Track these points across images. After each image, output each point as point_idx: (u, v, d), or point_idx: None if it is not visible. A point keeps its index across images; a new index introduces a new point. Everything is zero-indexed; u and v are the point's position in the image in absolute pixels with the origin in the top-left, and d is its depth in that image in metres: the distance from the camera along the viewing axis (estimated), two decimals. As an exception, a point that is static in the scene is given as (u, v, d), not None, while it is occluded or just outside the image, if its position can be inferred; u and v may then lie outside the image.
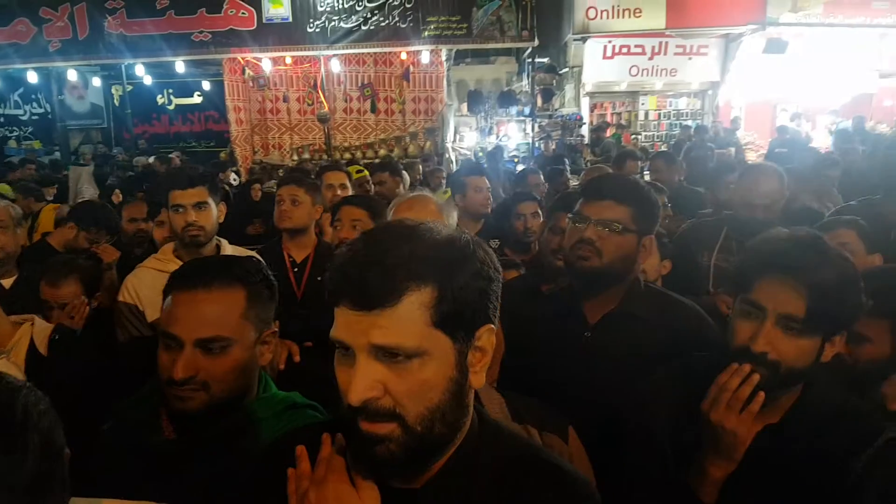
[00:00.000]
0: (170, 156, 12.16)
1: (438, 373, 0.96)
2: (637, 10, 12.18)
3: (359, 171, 5.76)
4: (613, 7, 12.24)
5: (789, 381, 1.46)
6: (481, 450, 1.06)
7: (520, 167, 9.60)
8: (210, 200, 2.92)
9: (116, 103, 15.68)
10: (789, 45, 12.29)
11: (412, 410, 0.95)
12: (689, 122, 14.39)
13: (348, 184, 4.41)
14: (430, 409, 0.96)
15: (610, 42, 13.56)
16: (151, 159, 12.42)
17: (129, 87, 13.24)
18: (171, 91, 15.49)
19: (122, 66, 12.03)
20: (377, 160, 10.12)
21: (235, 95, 11.94)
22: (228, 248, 2.99)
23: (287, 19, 11.00)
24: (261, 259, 1.75)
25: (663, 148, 12.39)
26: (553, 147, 11.41)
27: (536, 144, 12.10)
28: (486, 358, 1.02)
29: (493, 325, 1.02)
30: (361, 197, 3.33)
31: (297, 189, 3.44)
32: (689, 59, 13.88)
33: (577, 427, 1.59)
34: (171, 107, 15.81)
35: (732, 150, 10.52)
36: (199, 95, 15.30)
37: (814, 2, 11.71)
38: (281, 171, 10.67)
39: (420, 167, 8.67)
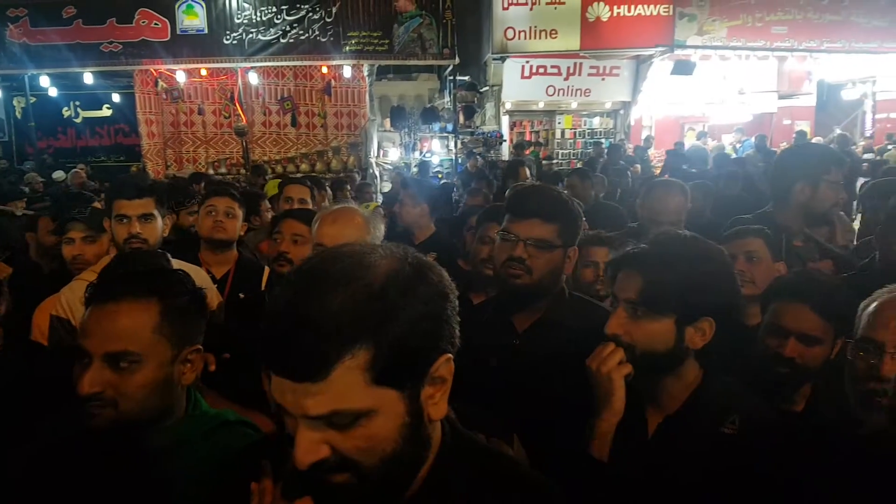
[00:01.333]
0: (74, 169, 11.59)
1: (387, 426, 0.89)
2: (553, 32, 12.56)
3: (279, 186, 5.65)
4: (531, 28, 12.57)
5: (652, 363, 1.59)
6: (455, 467, 1.02)
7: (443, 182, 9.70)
8: (156, 213, 2.85)
9: (18, 116, 14.87)
10: (696, 67, 12.97)
11: (365, 463, 0.89)
12: (603, 141, 14.93)
13: (308, 199, 4.30)
14: (385, 459, 0.90)
15: (528, 62, 13.93)
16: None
17: (33, 100, 12.59)
18: (78, 103, 14.79)
19: (25, 76, 11.46)
20: (299, 174, 9.98)
21: (147, 108, 11.59)
22: (173, 264, 2.87)
23: (202, 31, 10.78)
24: (187, 273, 1.68)
25: (578, 165, 12.78)
26: (479, 163, 11.57)
27: (460, 161, 12.24)
28: (445, 386, 0.96)
29: (450, 354, 0.95)
30: (304, 211, 3.20)
31: (233, 202, 3.37)
32: (603, 79, 14.43)
33: (510, 430, 1.63)
34: (79, 120, 15.10)
35: (639, 167, 10.95)
36: (108, 108, 14.67)
37: (718, 26, 12.41)
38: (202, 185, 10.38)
39: (348, 185, 8.61)
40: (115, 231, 2.84)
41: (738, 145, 14.37)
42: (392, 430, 0.90)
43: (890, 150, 12.96)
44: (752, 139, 13.82)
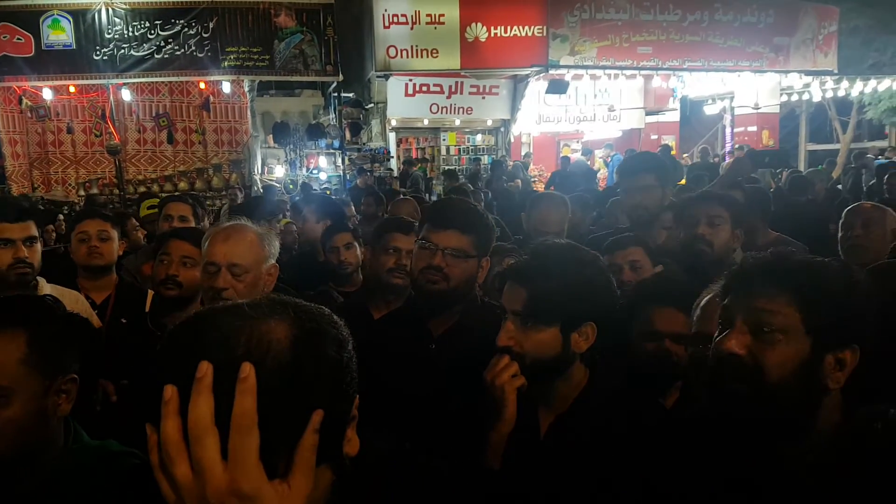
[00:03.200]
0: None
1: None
2: (434, 51, 12.87)
3: (150, 207, 5.32)
4: (412, 47, 12.82)
5: (542, 370, 1.69)
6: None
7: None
8: (37, 235, 2.74)
9: None
10: (569, 86, 13.68)
11: None
12: (485, 157, 15.47)
13: (190, 217, 4.08)
14: None
15: (411, 80, 14.18)
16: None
17: None
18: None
19: None
20: (177, 193, 9.67)
21: (11, 127, 10.81)
22: (47, 288, 2.73)
23: (70, 46, 10.23)
24: (57, 298, 1.63)
25: (462, 180, 13.14)
26: (371, 180, 11.66)
27: (348, 177, 12.27)
28: (355, 421, 0.91)
29: (356, 396, 0.90)
30: (193, 230, 3.03)
31: (104, 224, 3.21)
32: (483, 98, 14.94)
33: (424, 430, 1.71)
34: (-68, 139, 13.91)
35: (519, 181, 11.43)
36: (-36, 127, 13.62)
37: (588, 46, 13.14)
38: (65, 207, 9.84)
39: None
40: None
41: (608, 160, 15.24)
42: (321, 497, 0.86)
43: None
44: (622, 154, 14.71)
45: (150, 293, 3.09)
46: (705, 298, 1.81)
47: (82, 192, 10.88)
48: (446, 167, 15.83)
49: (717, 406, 1.31)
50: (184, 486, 0.76)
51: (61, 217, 7.42)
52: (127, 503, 1.07)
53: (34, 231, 2.73)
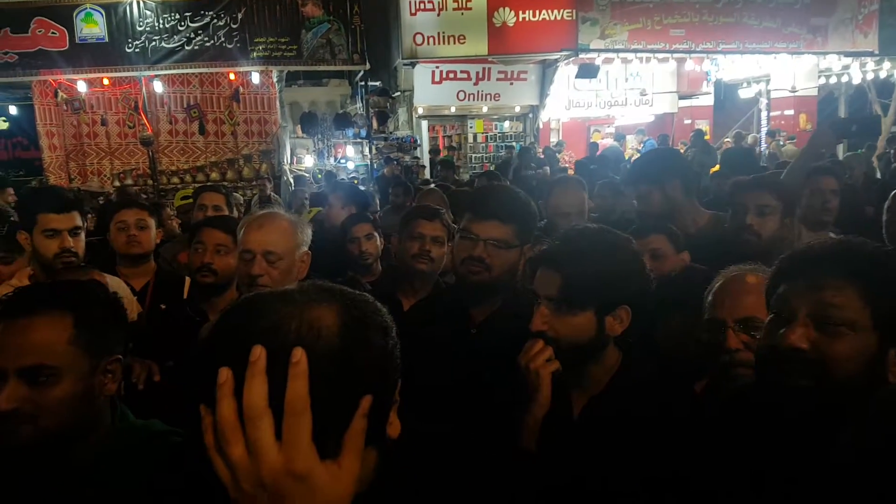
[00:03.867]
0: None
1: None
2: (461, 37, 12.78)
3: (184, 198, 5.44)
4: (439, 34, 12.76)
5: (576, 354, 1.70)
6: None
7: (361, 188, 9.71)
8: (82, 225, 2.85)
9: None
10: (600, 70, 13.49)
11: None
12: (513, 144, 15.33)
13: (224, 206, 4.21)
14: None
15: (437, 67, 14.12)
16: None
17: (-77, 113, 11.83)
18: (-28, 116, 13.95)
19: (-89, 88, 10.77)
20: (209, 184, 9.78)
21: (47, 120, 11.01)
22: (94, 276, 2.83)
23: (103, 39, 10.38)
24: (102, 283, 1.69)
25: (491, 168, 13.08)
26: (398, 170, 11.66)
27: (375, 166, 12.28)
28: (396, 405, 0.94)
29: (398, 381, 0.93)
30: (224, 219, 3.12)
31: (142, 212, 3.31)
32: (511, 84, 14.80)
33: (464, 416, 1.69)
34: (-27, 134, 14.23)
35: (548, 169, 11.31)
36: (4, 121, 13.86)
37: (619, 29, 12.93)
38: (101, 198, 10.01)
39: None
40: (43, 246, 2.78)
41: (639, 146, 15.04)
42: (366, 476, 0.90)
43: (785, 145, 13.87)
44: (655, 139, 14.51)
45: (188, 280, 3.18)
46: (717, 284, 1.80)
47: (117, 183, 11.05)
48: (473, 155, 15.79)
49: (774, 399, 1.26)
50: (239, 467, 0.78)
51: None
52: (170, 480, 1.10)
53: (79, 221, 2.84)
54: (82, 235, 2.88)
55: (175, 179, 11.22)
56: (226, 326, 0.87)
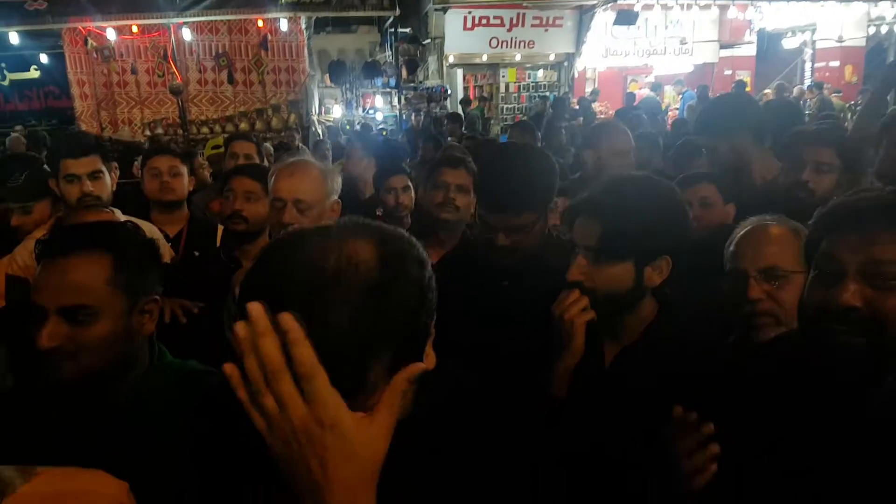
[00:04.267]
0: (14, 135, 11.01)
1: None
2: (496, -20, 12.42)
3: (215, 147, 5.47)
4: (472, -23, 12.41)
5: (613, 304, 1.68)
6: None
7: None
8: (104, 169, 2.88)
9: (-61, 79, 14.00)
10: (639, 17, 13.00)
11: None
12: (547, 94, 14.95)
13: (255, 155, 4.24)
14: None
15: (470, 13, 13.75)
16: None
17: (-46, 62, 11.89)
18: (3, 65, 13.98)
19: (-59, 36, 10.79)
20: (240, 133, 9.71)
21: (78, 68, 11.03)
22: (122, 219, 2.85)
23: (132, -15, 10.29)
24: (137, 225, 1.69)
25: (523, 119, 12.78)
26: (428, 121, 11.47)
27: (404, 117, 12.09)
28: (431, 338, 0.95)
29: (432, 331, 0.94)
30: (254, 167, 3.13)
31: (174, 160, 3.32)
32: (546, 30, 14.36)
33: (500, 368, 1.68)
34: (6, 82, 14.21)
35: (582, 119, 11.00)
36: (36, 70, 13.89)
37: (660, -25, 12.43)
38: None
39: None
40: (66, 191, 2.83)
41: (677, 98, 14.58)
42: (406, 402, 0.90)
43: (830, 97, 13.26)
44: (694, 90, 14.02)
45: (221, 228, 3.23)
46: (739, 234, 1.77)
47: (148, 133, 11.07)
48: (505, 105, 15.45)
49: (826, 358, 1.19)
50: (272, 417, 0.79)
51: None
52: (205, 418, 1.13)
53: (99, 165, 2.88)
54: (105, 179, 2.91)
55: (205, 129, 11.20)
56: (264, 262, 0.87)
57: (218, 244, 3.19)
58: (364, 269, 0.83)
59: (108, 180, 2.93)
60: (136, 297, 1.49)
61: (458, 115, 11.33)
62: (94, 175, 2.86)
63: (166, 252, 2.87)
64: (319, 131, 11.43)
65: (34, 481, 1.13)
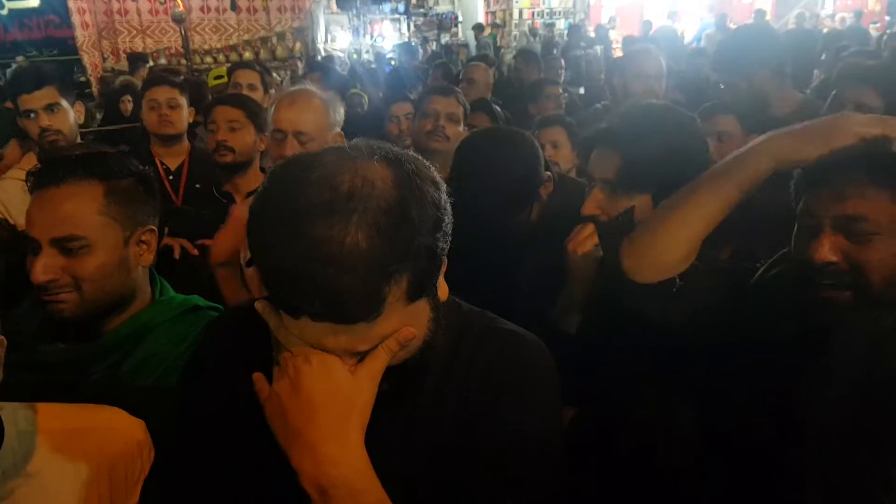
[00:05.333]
0: (13, 65, 10.82)
1: (419, 335, 0.91)
2: None
3: (218, 77, 5.34)
4: None
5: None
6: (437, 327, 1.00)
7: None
8: (62, 101, 2.77)
9: (-65, 9, 13.69)
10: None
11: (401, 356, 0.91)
12: (560, 21, 14.49)
13: (259, 85, 4.15)
14: (420, 347, 0.94)
15: (482, -66, 13.22)
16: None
17: (-50, -9, 11.58)
18: (0, -7, 13.64)
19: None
20: (243, 62, 9.48)
21: (77, -6, 10.77)
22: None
23: None
24: (129, 154, 1.63)
25: (538, 47, 12.40)
26: (432, 48, 11.15)
27: (413, 43, 11.76)
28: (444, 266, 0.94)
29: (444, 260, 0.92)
30: (235, 96, 3.06)
31: (173, 91, 3.23)
32: (561, -47, 13.81)
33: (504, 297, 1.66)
34: (4, 11, 13.87)
35: (599, 48, 10.64)
36: (34, -3, 13.59)
37: None
38: (148, 67, 9.84)
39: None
40: (27, 129, 2.76)
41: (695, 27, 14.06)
42: (422, 332, 0.92)
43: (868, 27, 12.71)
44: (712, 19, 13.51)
45: None
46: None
47: (151, 63, 10.83)
48: (518, 32, 14.99)
49: (816, 315, 1.17)
50: (277, 332, 0.86)
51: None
52: (206, 350, 1.12)
53: (56, 97, 2.76)
54: (65, 112, 2.79)
55: (208, 59, 10.97)
56: (275, 183, 0.84)
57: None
58: (380, 187, 0.80)
59: (71, 114, 2.81)
60: (130, 227, 1.47)
61: (445, 63, 11.02)
62: (50, 108, 2.74)
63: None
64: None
65: (49, 418, 1.16)
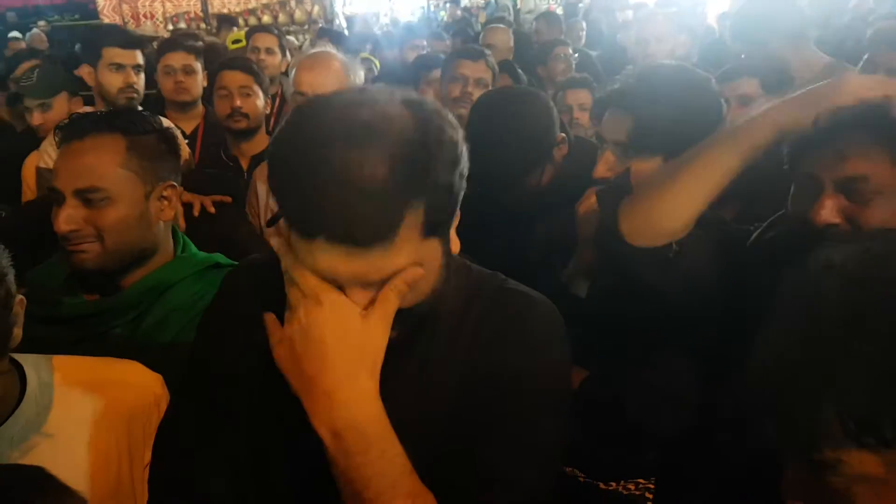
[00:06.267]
0: (34, 30, 10.84)
1: (429, 278, 0.91)
2: None
3: (236, 42, 5.38)
4: None
5: None
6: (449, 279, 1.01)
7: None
8: (143, 66, 3.00)
9: (-38, -29, 13.72)
10: None
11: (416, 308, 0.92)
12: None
13: (276, 49, 4.15)
14: (429, 294, 0.94)
15: None
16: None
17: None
18: (24, -42, 13.61)
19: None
20: (260, 25, 9.41)
21: (97, -42, 10.73)
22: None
23: None
24: (155, 114, 1.69)
25: (559, 10, 12.15)
26: (459, 12, 10.95)
27: (432, 9, 11.59)
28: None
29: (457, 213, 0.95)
30: (242, 60, 3.03)
31: (189, 56, 3.22)
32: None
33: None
34: (27, -24, 13.95)
35: (630, 12, 10.37)
36: (56, -40, 13.55)
37: None
38: (155, 43, 9.82)
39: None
40: (108, 80, 2.91)
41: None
42: (433, 277, 0.92)
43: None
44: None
45: None
46: None
47: (170, 27, 10.80)
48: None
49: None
50: (293, 269, 0.87)
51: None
52: (222, 299, 1.14)
53: (140, 60, 2.96)
54: (143, 76, 2.99)
55: (238, 21, 10.87)
56: (296, 121, 0.86)
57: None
58: (399, 122, 0.82)
59: (144, 79, 3.00)
60: (152, 182, 1.50)
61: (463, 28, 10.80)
62: (138, 69, 2.94)
63: (183, 149, 2.88)
64: (345, 25, 11.03)
65: (68, 370, 1.18)
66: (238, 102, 2.67)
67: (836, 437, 0.70)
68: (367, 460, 0.85)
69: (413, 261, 0.86)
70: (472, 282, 1.07)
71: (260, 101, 2.70)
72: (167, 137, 1.57)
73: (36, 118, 2.89)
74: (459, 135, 0.88)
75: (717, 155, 1.21)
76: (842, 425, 0.69)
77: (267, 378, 0.93)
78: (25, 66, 3.25)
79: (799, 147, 1.21)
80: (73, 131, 1.47)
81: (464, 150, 0.88)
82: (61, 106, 2.90)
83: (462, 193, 0.90)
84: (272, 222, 1.86)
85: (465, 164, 0.89)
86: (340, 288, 0.86)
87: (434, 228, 0.87)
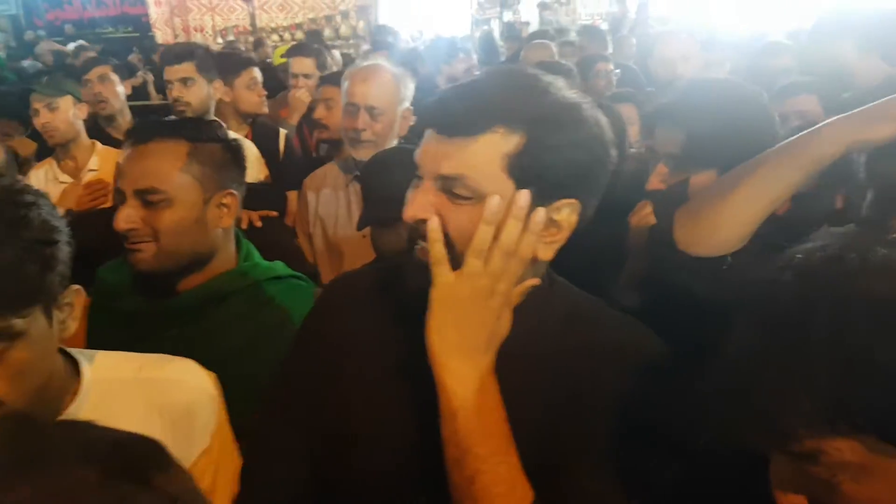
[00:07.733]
0: (79, 42, 11.19)
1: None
2: None
3: (284, 56, 5.44)
4: None
5: None
6: (551, 299, 1.07)
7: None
8: (198, 77, 2.99)
9: (24, -13, 14.33)
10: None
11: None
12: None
13: (314, 71, 4.18)
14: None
15: None
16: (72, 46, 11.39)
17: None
18: (81, -28, 14.15)
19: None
20: (299, 43, 9.56)
21: (151, -27, 11.07)
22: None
23: None
24: (222, 124, 1.75)
25: (604, 26, 12.11)
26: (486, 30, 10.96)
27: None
28: (560, 234, 1.00)
29: (576, 201, 0.98)
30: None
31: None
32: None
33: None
34: (83, -10, 14.48)
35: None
36: (111, -25, 14.04)
37: None
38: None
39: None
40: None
41: None
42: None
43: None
44: None
45: (283, 133, 3.43)
46: None
47: (220, 40, 11.08)
48: (584, 10, 14.64)
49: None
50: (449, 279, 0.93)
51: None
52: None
53: (192, 73, 3.00)
54: (197, 87, 3.02)
55: (274, 37, 11.12)
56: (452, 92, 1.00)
57: (281, 149, 3.33)
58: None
59: (204, 89, 3.04)
60: (211, 189, 1.52)
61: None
62: (184, 81, 3.00)
63: (260, 167, 3.04)
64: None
65: (120, 366, 1.19)
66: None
67: (813, 426, 0.69)
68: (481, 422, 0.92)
69: (486, 186, 0.93)
70: (571, 301, 1.10)
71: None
72: (232, 148, 1.60)
73: (43, 116, 3.05)
74: (600, 149, 0.99)
75: (778, 168, 1.18)
76: (816, 414, 0.68)
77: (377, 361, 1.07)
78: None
79: (880, 158, 1.19)
80: (139, 135, 1.52)
81: (596, 163, 0.99)
82: (66, 107, 3.09)
83: (571, 184, 0.98)
84: (362, 224, 1.89)
85: (588, 167, 0.98)
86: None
87: (523, 175, 0.94)
